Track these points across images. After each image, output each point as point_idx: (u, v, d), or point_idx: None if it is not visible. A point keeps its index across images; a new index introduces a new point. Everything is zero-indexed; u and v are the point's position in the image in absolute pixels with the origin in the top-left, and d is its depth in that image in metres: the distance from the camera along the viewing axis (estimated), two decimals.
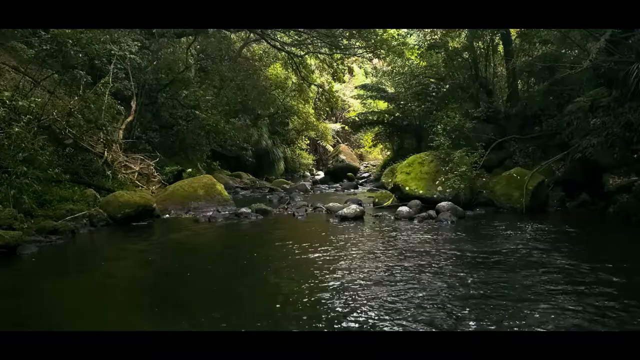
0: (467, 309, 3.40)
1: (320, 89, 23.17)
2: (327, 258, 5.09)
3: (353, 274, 4.42)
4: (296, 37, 17.22)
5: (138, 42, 11.45)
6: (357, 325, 3.15)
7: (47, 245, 5.80)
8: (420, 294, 3.76)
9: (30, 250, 5.42)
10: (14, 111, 7.11)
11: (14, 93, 7.58)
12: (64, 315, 3.54)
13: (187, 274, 4.85)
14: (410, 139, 17.88)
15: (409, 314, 3.33)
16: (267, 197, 12.53)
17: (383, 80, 20.70)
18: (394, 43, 15.61)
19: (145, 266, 5.24)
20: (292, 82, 21.49)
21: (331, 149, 26.51)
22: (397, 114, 18.01)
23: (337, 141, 28.10)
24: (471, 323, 3.14)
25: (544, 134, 10.83)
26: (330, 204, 9.28)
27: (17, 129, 6.50)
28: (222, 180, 12.99)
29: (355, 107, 26.66)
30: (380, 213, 8.64)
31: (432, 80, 15.83)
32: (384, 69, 19.97)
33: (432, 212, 8.06)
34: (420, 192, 9.30)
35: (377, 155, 28.22)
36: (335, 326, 3.14)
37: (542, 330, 3.02)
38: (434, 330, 3.05)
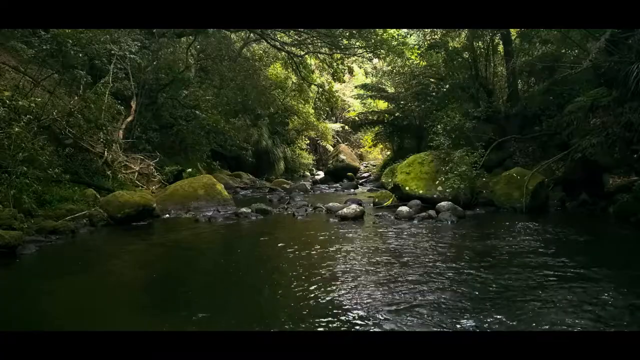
0: (467, 309, 3.40)
1: (320, 89, 23.17)
2: (327, 258, 5.09)
3: (353, 274, 4.42)
4: (296, 37, 17.22)
5: (138, 42, 11.45)
6: (357, 325, 3.15)
7: (47, 245, 5.80)
8: (420, 294, 3.76)
9: (30, 250, 5.41)
10: (14, 111, 7.10)
11: (14, 93, 7.58)
12: (64, 315, 3.54)
13: (187, 274, 4.85)
14: (410, 138, 17.89)
15: (409, 313, 3.33)
16: (267, 197, 12.53)
17: (383, 80, 20.72)
18: (394, 43, 15.62)
19: (145, 266, 5.24)
20: (292, 82, 21.49)
21: (331, 148, 26.51)
22: (397, 114, 18.02)
23: (337, 141, 28.09)
24: (471, 323, 3.14)
25: (544, 134, 10.83)
26: (330, 204, 9.28)
27: (17, 129, 6.49)
28: (222, 180, 12.99)
29: (355, 107, 26.66)
30: (380, 213, 8.64)
31: (432, 80, 15.85)
32: (384, 69, 19.98)
33: (432, 212, 8.05)
34: (420, 192, 9.30)
35: (377, 155, 28.23)
36: (335, 326, 3.14)
37: (542, 330, 3.01)
38: (434, 330, 3.05)
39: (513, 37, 12.67)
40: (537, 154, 10.91)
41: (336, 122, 30.12)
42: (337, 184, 17.31)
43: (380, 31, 15.38)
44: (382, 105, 20.89)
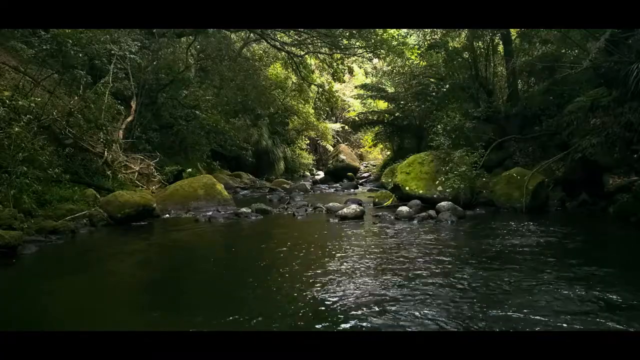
0: (467, 309, 3.40)
1: (320, 89, 23.16)
2: (327, 258, 5.09)
3: (353, 274, 4.42)
4: (296, 37, 17.22)
5: (138, 42, 11.45)
6: (357, 325, 3.15)
7: (47, 245, 5.80)
8: (420, 294, 3.76)
9: (30, 250, 5.41)
10: (14, 111, 7.10)
11: (14, 93, 7.58)
12: (64, 315, 3.54)
13: (187, 274, 4.85)
14: (410, 139, 17.89)
15: (409, 313, 3.33)
16: (267, 197, 12.53)
17: (383, 80, 20.72)
18: (394, 43, 15.62)
19: (145, 266, 5.24)
20: (292, 82, 21.48)
21: (331, 148, 26.50)
22: (397, 114, 18.02)
23: (337, 141, 28.08)
24: (471, 323, 3.14)
25: (544, 134, 10.83)
26: (330, 204, 9.28)
27: (17, 129, 6.49)
28: (222, 180, 12.99)
29: (355, 107, 26.67)
30: (380, 213, 8.63)
31: (432, 80, 15.83)
32: (384, 69, 19.98)
33: (432, 212, 8.05)
34: (420, 192, 9.30)
35: (377, 155, 28.24)
36: (335, 326, 3.14)
37: (542, 330, 3.01)
38: (434, 330, 3.05)
39: (513, 37, 12.67)
40: (537, 154, 10.91)
41: (336, 122, 30.11)
42: (337, 184, 17.31)
43: (380, 31, 15.38)
44: (382, 105, 20.89)
